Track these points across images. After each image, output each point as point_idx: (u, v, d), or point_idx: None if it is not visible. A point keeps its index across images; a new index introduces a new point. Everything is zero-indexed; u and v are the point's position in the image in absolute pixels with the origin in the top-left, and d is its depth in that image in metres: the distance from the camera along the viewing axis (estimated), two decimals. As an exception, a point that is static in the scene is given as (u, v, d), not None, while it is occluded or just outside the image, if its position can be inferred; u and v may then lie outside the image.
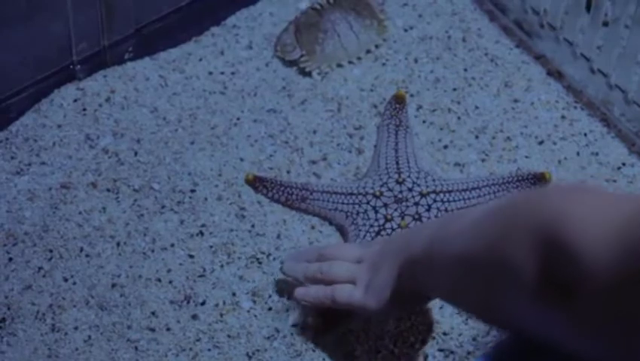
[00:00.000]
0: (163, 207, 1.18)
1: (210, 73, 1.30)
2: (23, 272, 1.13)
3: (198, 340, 1.09)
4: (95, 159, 1.22)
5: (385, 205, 1.14)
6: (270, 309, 1.11)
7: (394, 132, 1.21)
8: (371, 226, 1.13)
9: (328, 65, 1.29)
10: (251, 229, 1.17)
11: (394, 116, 1.22)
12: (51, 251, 1.15)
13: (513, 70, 1.30)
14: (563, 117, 1.26)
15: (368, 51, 1.31)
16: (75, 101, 1.26)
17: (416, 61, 1.31)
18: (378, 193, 1.15)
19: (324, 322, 1.09)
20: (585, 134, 1.25)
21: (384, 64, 1.31)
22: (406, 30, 1.34)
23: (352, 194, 1.15)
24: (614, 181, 1.21)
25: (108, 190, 1.19)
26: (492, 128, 1.25)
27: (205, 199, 1.19)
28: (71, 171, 1.21)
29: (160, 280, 1.13)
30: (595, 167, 1.22)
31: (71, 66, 1.27)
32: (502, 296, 0.76)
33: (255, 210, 1.18)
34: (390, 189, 1.15)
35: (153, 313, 1.11)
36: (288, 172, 1.21)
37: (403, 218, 1.13)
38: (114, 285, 1.13)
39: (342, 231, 1.16)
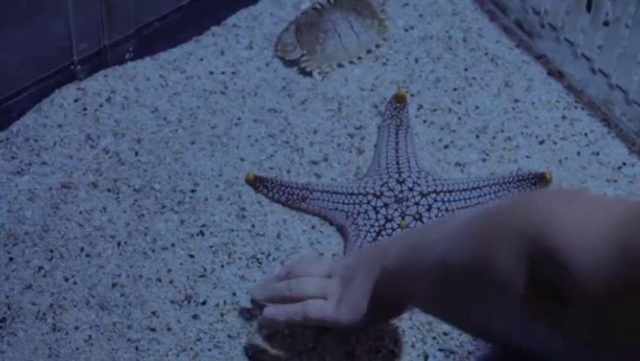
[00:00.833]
0: (164, 207, 1.18)
1: (211, 73, 1.30)
2: (24, 272, 1.13)
3: (199, 340, 1.09)
4: (95, 158, 1.22)
5: (386, 205, 1.14)
6: (271, 309, 1.11)
7: (394, 132, 1.21)
8: (372, 225, 1.13)
9: (329, 64, 1.29)
10: (252, 228, 1.17)
11: (395, 116, 1.22)
12: (52, 251, 1.15)
13: (514, 70, 1.30)
14: (564, 117, 1.26)
15: (369, 51, 1.31)
16: (76, 101, 1.26)
17: (416, 61, 1.31)
18: (378, 193, 1.15)
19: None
20: (586, 134, 1.25)
21: (384, 64, 1.31)
22: (406, 30, 1.34)
23: (352, 194, 1.15)
24: (615, 181, 1.21)
25: (109, 190, 1.19)
26: (492, 128, 1.25)
27: (206, 199, 1.19)
28: (71, 170, 1.21)
29: (160, 280, 1.13)
30: (596, 167, 1.22)
31: (72, 66, 1.27)
32: (488, 306, 0.74)
33: (255, 210, 1.18)
34: (390, 189, 1.15)
35: (153, 313, 1.11)
36: (289, 172, 1.21)
37: (403, 218, 1.13)
38: (114, 285, 1.13)
39: (342, 231, 1.16)
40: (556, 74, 1.30)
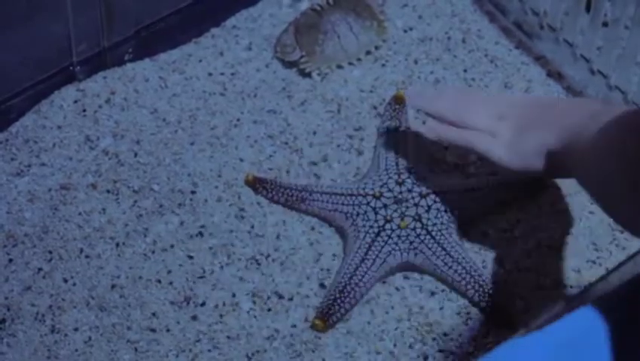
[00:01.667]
0: (163, 208, 1.18)
1: (210, 74, 1.30)
2: (23, 273, 1.13)
3: (198, 341, 1.09)
4: (95, 160, 1.22)
5: (385, 206, 1.14)
6: (270, 310, 1.11)
7: (394, 133, 1.21)
8: (371, 227, 1.13)
9: (328, 66, 1.29)
10: (251, 230, 1.17)
11: (394, 117, 1.23)
12: (51, 252, 1.15)
13: (513, 71, 1.30)
14: (563, 118, 1.26)
15: (368, 52, 1.31)
16: (75, 102, 1.26)
17: (415, 62, 1.31)
18: (378, 194, 1.15)
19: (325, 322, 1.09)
20: (585, 135, 1.25)
21: (384, 65, 1.31)
22: (406, 31, 1.34)
23: (351, 195, 1.15)
24: (614, 182, 1.21)
25: (108, 191, 1.19)
26: (491, 129, 1.25)
27: (205, 200, 1.19)
28: (71, 172, 1.21)
29: (159, 281, 1.13)
30: (595, 168, 1.22)
31: (71, 67, 1.27)
32: None
33: (255, 211, 1.18)
34: (390, 190, 1.15)
35: (153, 314, 1.11)
36: (288, 173, 1.21)
37: (403, 219, 1.13)
38: (113, 286, 1.13)
39: (341, 232, 1.16)
40: (556, 75, 1.30)
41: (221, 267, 1.14)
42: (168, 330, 1.10)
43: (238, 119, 1.26)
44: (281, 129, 1.25)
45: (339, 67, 1.30)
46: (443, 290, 1.12)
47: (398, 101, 1.24)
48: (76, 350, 1.09)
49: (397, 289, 1.13)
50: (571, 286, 1.13)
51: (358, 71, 1.30)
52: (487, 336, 1.10)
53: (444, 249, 1.11)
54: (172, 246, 1.15)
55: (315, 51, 1.29)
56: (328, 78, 1.29)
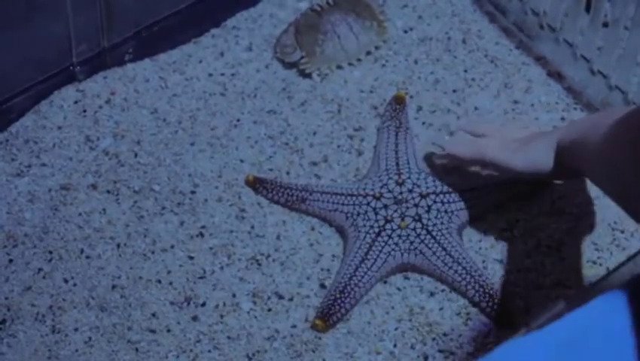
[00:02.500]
0: (163, 208, 1.18)
1: (210, 74, 1.30)
2: (23, 274, 1.13)
3: (198, 341, 1.09)
4: (95, 160, 1.22)
5: (385, 206, 1.14)
6: (270, 310, 1.11)
7: (394, 133, 1.21)
8: (371, 227, 1.13)
9: (328, 66, 1.29)
10: (251, 230, 1.17)
11: (394, 118, 1.23)
12: (51, 253, 1.15)
13: (513, 71, 1.30)
14: (563, 119, 1.26)
15: (368, 52, 1.31)
16: (75, 102, 1.26)
17: (415, 62, 1.31)
18: (378, 194, 1.15)
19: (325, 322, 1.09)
20: (585, 136, 1.25)
21: (384, 65, 1.31)
22: (406, 31, 1.34)
23: (351, 195, 1.15)
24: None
25: (108, 192, 1.19)
26: (491, 130, 1.25)
27: (205, 201, 1.19)
28: (71, 172, 1.21)
29: (160, 281, 1.13)
30: (595, 168, 1.22)
31: (71, 67, 1.27)
32: None
33: (255, 211, 1.18)
34: (390, 191, 1.15)
35: (153, 314, 1.11)
36: (288, 173, 1.21)
37: (403, 219, 1.13)
38: (114, 286, 1.13)
39: (341, 232, 1.16)
40: (556, 76, 1.30)
41: (222, 267, 1.14)
42: (168, 330, 1.10)
43: (238, 120, 1.26)
44: (281, 130, 1.25)
45: (339, 67, 1.30)
46: (443, 290, 1.12)
47: (398, 101, 1.24)
48: (76, 351, 1.09)
49: (397, 289, 1.13)
50: (571, 287, 1.13)
51: (358, 71, 1.30)
52: (487, 336, 1.10)
53: (444, 249, 1.11)
54: (172, 246, 1.15)
55: (315, 52, 1.29)
56: (328, 79, 1.29)
